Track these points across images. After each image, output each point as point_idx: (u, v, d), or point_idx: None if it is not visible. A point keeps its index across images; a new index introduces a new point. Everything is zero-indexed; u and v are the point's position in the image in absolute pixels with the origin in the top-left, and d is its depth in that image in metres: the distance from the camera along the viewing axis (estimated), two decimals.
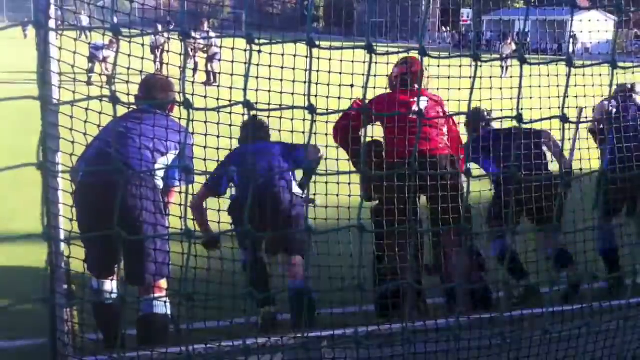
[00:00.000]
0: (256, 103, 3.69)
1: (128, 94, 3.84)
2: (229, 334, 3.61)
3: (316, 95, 3.98)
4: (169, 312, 3.83)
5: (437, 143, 4.59)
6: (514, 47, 20.70)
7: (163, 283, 3.85)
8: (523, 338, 3.43)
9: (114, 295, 3.86)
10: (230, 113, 2.63)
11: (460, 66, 4.45)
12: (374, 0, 18.77)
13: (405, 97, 4.70)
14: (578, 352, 3.44)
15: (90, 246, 3.77)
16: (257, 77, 4.01)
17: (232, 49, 3.87)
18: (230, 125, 4.20)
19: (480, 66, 1.85)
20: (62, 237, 3.55)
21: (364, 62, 5.34)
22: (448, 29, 47.50)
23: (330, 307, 3.87)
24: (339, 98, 4.37)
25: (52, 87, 3.60)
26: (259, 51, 3.56)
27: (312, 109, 1.67)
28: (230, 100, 2.45)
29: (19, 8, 44.70)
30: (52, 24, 3.57)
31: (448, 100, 4.84)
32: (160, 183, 3.89)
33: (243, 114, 3.60)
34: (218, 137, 4.08)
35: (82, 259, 3.72)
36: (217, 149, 4.08)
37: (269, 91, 4.14)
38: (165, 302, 3.81)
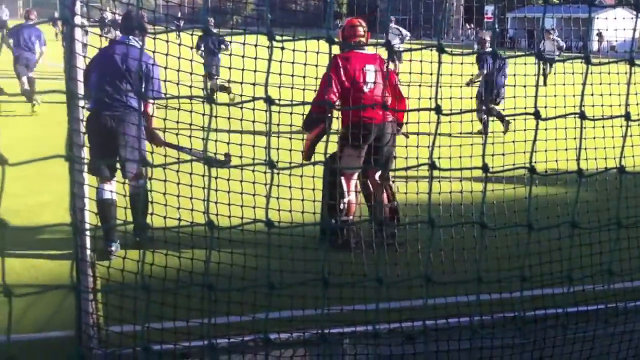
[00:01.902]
0: (279, 99, 3.71)
1: (153, 90, 3.87)
2: (251, 328, 3.62)
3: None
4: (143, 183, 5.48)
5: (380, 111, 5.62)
6: (560, 42, 19.21)
7: (141, 172, 5.55)
8: (546, 338, 3.40)
9: (113, 195, 5.50)
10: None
11: (472, 63, 4.48)
12: None
13: (361, 62, 5.65)
14: (602, 352, 3.41)
15: (96, 159, 5.33)
16: (269, 72, 4.02)
17: (256, 45, 3.90)
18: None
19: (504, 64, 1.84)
20: (87, 230, 3.59)
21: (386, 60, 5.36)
22: (472, 25, 47.16)
23: (352, 304, 3.86)
24: None
25: (77, 82, 3.65)
26: (282, 48, 3.57)
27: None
28: (242, 96, 2.46)
29: (45, 3, 45.16)
30: (77, 20, 3.61)
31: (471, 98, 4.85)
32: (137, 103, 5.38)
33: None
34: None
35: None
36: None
37: (292, 88, 4.17)
38: (145, 183, 5.37)
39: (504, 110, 12.26)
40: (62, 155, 1.52)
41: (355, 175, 5.93)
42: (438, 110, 1.85)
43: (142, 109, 5.38)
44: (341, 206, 5.69)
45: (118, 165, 5.64)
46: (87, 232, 3.61)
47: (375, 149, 5.60)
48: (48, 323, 4.38)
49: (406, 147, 5.12)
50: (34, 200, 7.05)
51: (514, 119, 10.36)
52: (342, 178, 5.72)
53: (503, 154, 5.16)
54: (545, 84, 12.77)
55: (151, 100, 5.34)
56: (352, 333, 3.77)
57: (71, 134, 3.55)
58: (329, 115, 5.67)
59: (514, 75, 5.60)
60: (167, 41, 3.83)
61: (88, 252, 3.62)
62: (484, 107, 11.43)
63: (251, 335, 3.56)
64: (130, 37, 5.66)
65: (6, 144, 7.73)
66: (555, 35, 18.92)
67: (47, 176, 7.26)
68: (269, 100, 1.70)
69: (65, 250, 5.50)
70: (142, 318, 3.13)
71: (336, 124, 5.36)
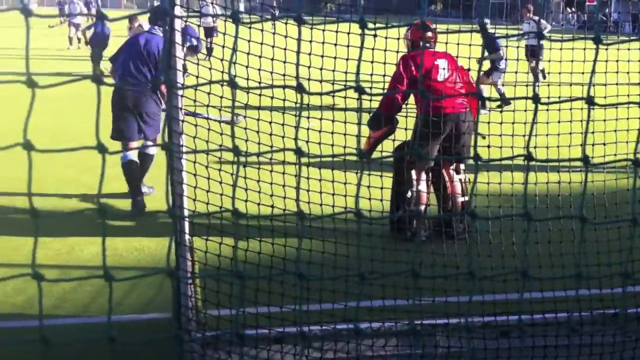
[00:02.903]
0: (370, 87, 3.69)
1: (247, 79, 3.94)
2: (343, 316, 3.64)
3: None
4: (154, 152, 6.85)
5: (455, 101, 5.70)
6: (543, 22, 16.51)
7: (159, 138, 6.74)
8: None
9: (134, 157, 6.73)
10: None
11: (584, 49, 4.29)
12: None
13: (431, 58, 5.74)
14: None
15: (119, 124, 6.59)
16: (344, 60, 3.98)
17: (348, 33, 3.89)
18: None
19: (606, 49, 1.75)
20: (186, 215, 3.71)
21: (479, 46, 5.24)
22: (573, 9, 45.31)
23: (445, 296, 3.82)
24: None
25: (176, 71, 3.75)
26: (375, 35, 3.55)
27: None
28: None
29: None
30: (177, 10, 3.72)
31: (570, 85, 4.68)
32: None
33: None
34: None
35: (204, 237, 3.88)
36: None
37: (371, 74, 4.17)
38: (154, 148, 6.79)
39: (503, 85, 12.82)
40: (160, 144, 1.57)
41: (428, 165, 5.92)
42: (536, 99, 1.79)
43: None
44: (408, 195, 5.70)
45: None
46: (186, 218, 3.73)
47: (450, 139, 5.60)
48: (148, 305, 4.56)
49: (500, 135, 5.00)
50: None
51: (616, 108, 9.88)
52: (413, 168, 5.73)
53: (604, 144, 4.95)
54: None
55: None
56: (444, 325, 3.73)
57: (170, 122, 3.66)
58: (396, 116, 5.74)
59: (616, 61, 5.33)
60: (261, 30, 3.89)
61: (187, 236, 3.74)
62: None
63: (343, 323, 3.59)
64: (156, 27, 6.84)
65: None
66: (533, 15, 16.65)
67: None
68: (360, 90, 1.69)
69: (167, 234, 5.71)
70: (237, 303, 3.20)
71: (403, 123, 5.37)
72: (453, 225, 5.56)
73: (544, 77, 14.56)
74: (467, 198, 5.92)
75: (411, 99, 6.34)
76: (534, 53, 15.13)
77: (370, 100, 5.46)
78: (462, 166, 5.98)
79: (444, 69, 5.76)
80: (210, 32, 18.77)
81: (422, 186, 5.81)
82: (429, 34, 6.00)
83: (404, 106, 5.89)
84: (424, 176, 5.87)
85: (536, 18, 15.99)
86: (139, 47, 6.70)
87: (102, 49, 15.13)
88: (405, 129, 5.33)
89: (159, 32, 6.76)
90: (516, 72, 5.73)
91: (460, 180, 5.97)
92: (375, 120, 5.78)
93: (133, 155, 6.76)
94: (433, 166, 5.90)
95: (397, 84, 5.66)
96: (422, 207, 5.82)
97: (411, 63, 5.73)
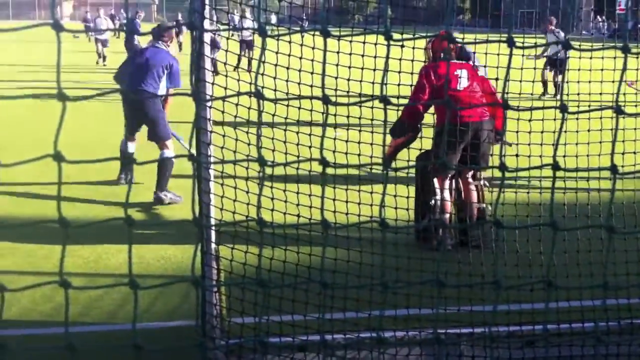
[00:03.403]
0: (397, 97, 3.72)
1: (275, 90, 3.98)
2: (367, 325, 3.64)
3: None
4: (172, 155, 7.39)
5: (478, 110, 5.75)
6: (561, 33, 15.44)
7: (169, 142, 7.39)
8: None
9: (133, 150, 7.71)
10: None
11: (614, 57, 4.26)
12: None
13: (452, 68, 5.81)
14: None
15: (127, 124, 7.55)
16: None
17: (375, 44, 3.92)
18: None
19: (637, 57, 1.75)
20: (212, 224, 3.75)
21: (507, 55, 5.24)
22: (603, 18, 44.84)
23: (470, 305, 3.81)
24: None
25: (205, 83, 3.81)
26: (402, 46, 3.56)
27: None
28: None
29: (178, 8, 47.40)
30: (206, 24, 3.77)
31: (591, 94, 4.64)
32: (163, 90, 7.39)
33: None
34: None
35: (230, 247, 3.92)
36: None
37: (399, 84, 4.18)
38: (170, 151, 7.39)
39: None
40: (186, 155, 1.61)
41: (449, 174, 5.95)
42: (564, 108, 1.79)
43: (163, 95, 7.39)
44: (432, 202, 5.74)
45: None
46: (212, 227, 3.77)
47: (471, 147, 5.67)
48: (174, 312, 4.61)
49: (529, 144, 4.98)
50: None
51: None
52: (435, 176, 5.79)
53: (634, 152, 4.89)
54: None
55: (171, 90, 7.38)
56: (469, 334, 3.71)
57: (199, 133, 3.71)
58: (419, 125, 5.91)
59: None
60: (289, 42, 3.93)
61: (213, 245, 3.78)
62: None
63: (367, 332, 3.59)
64: (159, 41, 7.60)
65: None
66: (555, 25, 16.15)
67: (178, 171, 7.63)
68: (385, 100, 1.71)
69: (193, 243, 5.76)
70: (260, 311, 3.23)
71: (426, 132, 5.42)
72: (468, 233, 5.60)
73: (560, 91, 14.22)
74: (484, 205, 5.95)
75: (431, 108, 6.42)
76: (554, 64, 14.96)
77: (397, 110, 5.51)
78: (482, 174, 6.01)
79: (463, 77, 5.85)
80: (249, 45, 18.78)
81: (446, 194, 5.84)
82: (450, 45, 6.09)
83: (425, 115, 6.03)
84: (447, 184, 5.89)
85: (557, 30, 15.83)
86: (143, 60, 7.40)
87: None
88: (421, 138, 5.36)
89: (163, 46, 7.59)
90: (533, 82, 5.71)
91: (477, 186, 5.99)
92: (397, 128, 5.86)
93: (132, 147, 7.73)
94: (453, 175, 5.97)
95: (419, 94, 5.78)
96: (447, 216, 5.81)
97: (432, 73, 5.83)
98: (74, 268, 5.32)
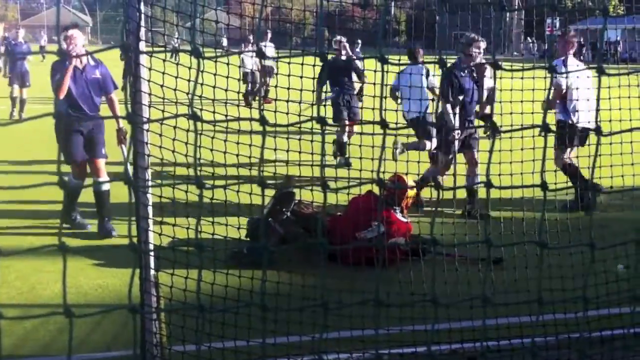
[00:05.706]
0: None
1: (214, 112, 3.95)
2: (310, 348, 3.62)
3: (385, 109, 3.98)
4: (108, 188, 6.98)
5: None
6: None
7: (103, 165, 7.06)
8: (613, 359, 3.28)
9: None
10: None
11: (533, 78, 4.56)
12: (455, 13, 18.56)
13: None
14: None
15: (70, 150, 6.82)
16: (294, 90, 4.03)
17: (313, 65, 3.96)
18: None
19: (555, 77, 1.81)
20: (151, 250, 3.68)
21: (434, 76, 5.36)
22: (533, 39, 46.40)
23: (412, 324, 3.83)
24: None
25: (142, 106, 3.74)
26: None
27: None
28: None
29: (113, 30, 46.72)
30: (142, 46, 3.72)
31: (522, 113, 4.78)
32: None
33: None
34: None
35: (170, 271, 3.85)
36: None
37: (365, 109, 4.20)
38: (107, 181, 7.30)
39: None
40: (122, 179, 1.57)
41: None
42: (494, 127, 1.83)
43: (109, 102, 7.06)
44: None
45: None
46: (151, 253, 3.70)
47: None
48: (113, 342, 4.48)
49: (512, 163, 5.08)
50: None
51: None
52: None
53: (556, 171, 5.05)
54: None
55: (113, 94, 7.07)
56: (411, 354, 3.73)
57: (135, 157, 3.65)
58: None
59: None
60: (227, 64, 3.92)
61: (152, 272, 3.71)
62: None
63: (310, 355, 3.57)
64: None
65: None
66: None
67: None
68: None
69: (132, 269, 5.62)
70: (200, 337, 3.17)
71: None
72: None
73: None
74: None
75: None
76: None
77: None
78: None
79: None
80: (269, 72, 15.50)
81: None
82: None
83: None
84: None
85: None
86: (86, 75, 7.03)
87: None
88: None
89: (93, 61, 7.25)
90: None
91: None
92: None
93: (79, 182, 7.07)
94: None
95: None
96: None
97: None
98: (7, 300, 5.12)
